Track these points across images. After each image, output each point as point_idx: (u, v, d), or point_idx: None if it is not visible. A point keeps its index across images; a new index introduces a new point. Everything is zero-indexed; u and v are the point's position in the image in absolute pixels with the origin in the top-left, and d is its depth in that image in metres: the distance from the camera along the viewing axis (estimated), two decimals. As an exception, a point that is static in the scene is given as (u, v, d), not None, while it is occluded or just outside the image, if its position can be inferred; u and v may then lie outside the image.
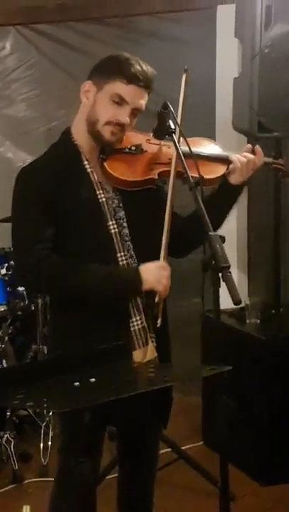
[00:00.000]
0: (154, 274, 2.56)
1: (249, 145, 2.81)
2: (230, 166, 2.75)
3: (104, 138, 2.59)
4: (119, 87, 2.54)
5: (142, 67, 2.55)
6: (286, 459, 3.78)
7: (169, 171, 2.62)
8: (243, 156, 2.75)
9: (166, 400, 2.76)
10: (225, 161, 2.77)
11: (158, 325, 2.63)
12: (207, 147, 2.82)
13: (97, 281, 2.55)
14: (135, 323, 2.62)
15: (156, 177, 2.65)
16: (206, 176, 2.62)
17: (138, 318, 2.62)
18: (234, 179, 2.75)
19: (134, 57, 2.59)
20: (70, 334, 2.62)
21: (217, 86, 4.62)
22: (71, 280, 2.53)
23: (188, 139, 2.58)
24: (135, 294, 2.58)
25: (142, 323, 2.63)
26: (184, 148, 2.53)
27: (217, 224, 2.64)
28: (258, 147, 2.80)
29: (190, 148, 2.54)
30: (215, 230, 2.34)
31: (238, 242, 4.76)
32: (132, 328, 2.61)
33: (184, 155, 2.48)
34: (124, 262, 2.60)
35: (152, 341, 2.67)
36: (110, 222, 2.59)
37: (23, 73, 5.25)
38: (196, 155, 2.60)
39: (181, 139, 2.56)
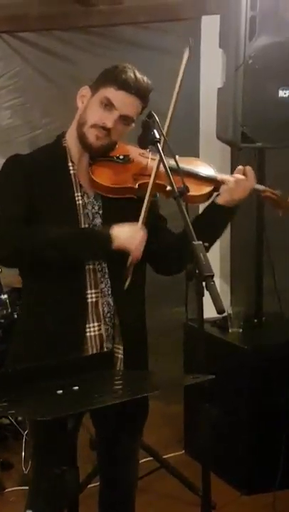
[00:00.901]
0: (127, 233, 2.55)
1: (240, 166, 2.75)
2: (222, 186, 2.72)
3: (88, 140, 2.61)
4: (109, 92, 2.59)
5: (135, 76, 2.59)
6: (268, 469, 3.78)
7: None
8: (233, 177, 2.72)
9: (143, 409, 2.78)
10: (212, 181, 2.76)
11: (125, 288, 2.62)
12: (198, 167, 2.81)
13: (64, 237, 2.54)
14: (92, 329, 2.62)
15: (136, 187, 2.65)
16: (190, 193, 2.57)
17: (96, 324, 2.62)
18: (222, 199, 2.71)
19: (134, 67, 2.63)
20: (28, 334, 2.66)
21: (201, 96, 4.64)
22: (36, 237, 2.53)
23: (184, 158, 2.63)
24: (105, 251, 2.56)
25: (98, 330, 2.63)
26: (172, 162, 2.53)
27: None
28: (248, 169, 2.75)
29: (177, 164, 2.54)
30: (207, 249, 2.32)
31: (221, 252, 4.78)
32: (87, 334, 2.61)
33: (170, 169, 2.47)
34: (91, 267, 2.61)
35: (115, 352, 2.66)
36: (82, 226, 2.62)
37: (7, 81, 5.24)
38: (183, 171, 2.59)
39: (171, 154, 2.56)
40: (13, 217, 2.54)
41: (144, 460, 3.91)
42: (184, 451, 4.40)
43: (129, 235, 2.55)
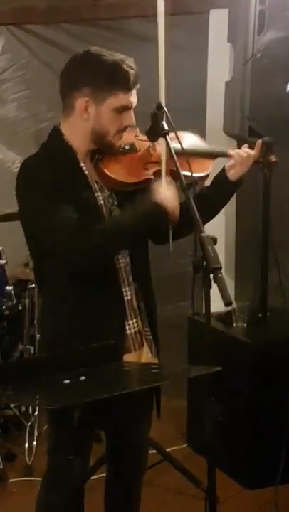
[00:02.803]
0: (172, 197, 2.53)
1: (246, 144, 2.82)
2: (231, 161, 2.76)
3: (115, 146, 2.61)
4: (121, 99, 2.54)
5: (133, 68, 2.54)
6: (271, 463, 3.78)
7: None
8: (243, 152, 2.76)
9: (157, 394, 2.77)
10: (213, 155, 2.81)
11: (170, 249, 2.61)
12: (194, 142, 2.84)
13: (125, 222, 2.53)
14: (131, 326, 2.64)
15: (152, 177, 2.65)
16: (198, 175, 2.62)
17: (134, 320, 2.65)
18: (233, 175, 2.75)
19: (118, 56, 2.55)
20: (63, 337, 2.59)
21: (208, 90, 4.62)
22: (110, 232, 2.53)
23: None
24: (164, 221, 2.54)
25: (137, 325, 2.66)
26: (175, 145, 2.51)
27: (208, 218, 2.67)
28: (259, 141, 2.81)
29: (182, 146, 2.52)
30: (205, 223, 2.36)
31: (226, 247, 4.77)
32: (127, 331, 2.63)
33: (175, 152, 2.47)
34: (122, 264, 2.63)
35: (146, 335, 2.72)
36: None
37: (14, 73, 5.23)
38: (188, 152, 2.59)
39: (172, 134, 2.54)
40: (69, 220, 2.46)
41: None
42: (186, 445, 4.41)
43: (171, 198, 2.52)
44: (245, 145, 2.83)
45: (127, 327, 2.63)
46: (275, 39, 3.90)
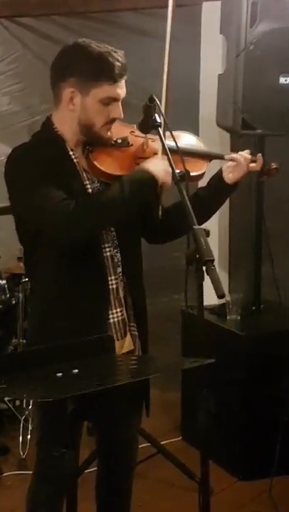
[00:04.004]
0: (161, 166, 2.54)
1: (247, 150, 2.82)
2: (229, 163, 2.76)
3: (103, 138, 2.61)
4: (107, 90, 2.53)
5: (119, 60, 2.52)
6: (265, 454, 3.79)
7: None
8: (241, 156, 2.76)
9: (146, 389, 2.77)
10: (209, 156, 2.79)
11: (160, 216, 2.61)
12: (191, 143, 2.84)
13: (119, 193, 2.52)
14: (115, 315, 2.64)
15: None
16: (192, 173, 2.62)
17: (118, 310, 2.65)
18: (230, 178, 2.75)
19: (105, 47, 2.54)
20: (48, 322, 2.62)
21: (201, 82, 4.62)
22: (97, 204, 2.54)
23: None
24: (154, 191, 2.55)
25: (122, 315, 2.66)
26: (170, 143, 2.51)
27: (203, 219, 2.66)
28: (260, 156, 2.82)
29: (176, 144, 2.52)
30: (201, 224, 2.33)
31: (220, 239, 4.78)
32: (110, 320, 2.63)
33: (170, 150, 2.47)
34: (108, 253, 2.63)
35: (131, 331, 2.71)
36: None
37: (6, 66, 5.23)
38: (182, 150, 2.57)
39: (168, 133, 2.54)
40: (57, 197, 2.47)
41: (142, 446, 3.89)
42: (181, 438, 4.41)
43: (164, 168, 2.52)
44: (247, 151, 2.81)
45: (111, 316, 2.63)
46: (267, 31, 3.90)
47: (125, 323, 2.68)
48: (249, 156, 2.77)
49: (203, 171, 2.78)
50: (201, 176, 2.79)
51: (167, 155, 2.45)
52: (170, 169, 2.45)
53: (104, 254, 2.62)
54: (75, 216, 2.46)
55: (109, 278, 2.63)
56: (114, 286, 2.65)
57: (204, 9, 4.60)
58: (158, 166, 2.54)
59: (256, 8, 3.88)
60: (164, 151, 2.49)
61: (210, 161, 2.82)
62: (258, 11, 3.88)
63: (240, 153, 2.79)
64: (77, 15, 5.13)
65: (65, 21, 5.12)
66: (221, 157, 2.82)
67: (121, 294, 2.66)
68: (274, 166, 2.90)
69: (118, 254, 2.66)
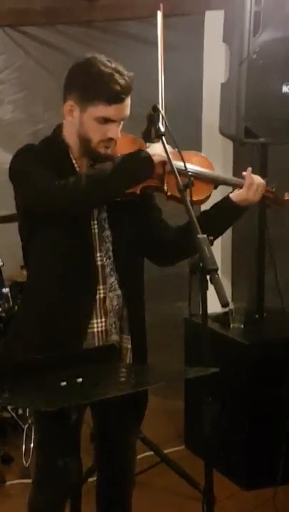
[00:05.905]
0: (158, 147, 2.56)
1: (250, 168, 2.77)
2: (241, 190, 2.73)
3: (100, 153, 2.61)
4: (101, 111, 2.54)
5: (119, 82, 2.51)
6: (269, 464, 3.79)
7: (152, 186, 2.65)
8: (251, 180, 2.74)
9: (143, 399, 2.78)
10: (216, 181, 2.78)
11: (167, 195, 2.64)
12: (200, 165, 2.79)
13: (114, 171, 2.54)
14: (98, 325, 2.64)
15: (138, 193, 2.63)
16: (194, 198, 2.59)
17: (102, 320, 2.65)
18: (241, 202, 2.73)
19: (111, 68, 2.54)
20: (29, 328, 2.67)
21: (204, 91, 4.63)
22: (91, 179, 2.54)
23: (184, 152, 2.59)
24: (150, 171, 2.57)
25: (104, 326, 2.66)
26: (179, 163, 2.53)
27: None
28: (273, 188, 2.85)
29: (185, 166, 2.55)
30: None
31: (223, 248, 4.77)
32: (89, 330, 2.63)
33: (178, 172, 2.47)
34: (99, 262, 2.64)
35: (124, 343, 2.71)
36: (92, 222, 2.63)
37: (10, 75, 5.22)
38: (190, 173, 2.60)
39: (176, 150, 2.56)
40: (55, 179, 2.51)
41: (145, 454, 3.92)
42: (184, 446, 4.40)
43: (155, 149, 2.57)
44: (249, 169, 2.77)
45: (93, 325, 2.64)
46: (270, 40, 3.90)
47: (107, 333, 2.68)
48: (260, 180, 2.76)
49: (206, 195, 2.75)
50: (205, 199, 2.76)
51: (171, 167, 2.45)
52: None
53: (97, 263, 2.63)
54: (71, 184, 2.50)
55: (98, 287, 2.64)
56: (102, 295, 2.66)
57: (207, 18, 4.61)
58: (158, 149, 2.56)
59: (259, 17, 3.88)
60: (169, 162, 2.49)
61: (216, 187, 2.79)
62: (260, 19, 3.89)
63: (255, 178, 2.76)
64: (80, 24, 5.14)
65: (69, 30, 5.12)
66: (231, 184, 2.80)
67: (108, 303, 2.66)
68: (287, 197, 2.90)
69: (112, 265, 2.66)
